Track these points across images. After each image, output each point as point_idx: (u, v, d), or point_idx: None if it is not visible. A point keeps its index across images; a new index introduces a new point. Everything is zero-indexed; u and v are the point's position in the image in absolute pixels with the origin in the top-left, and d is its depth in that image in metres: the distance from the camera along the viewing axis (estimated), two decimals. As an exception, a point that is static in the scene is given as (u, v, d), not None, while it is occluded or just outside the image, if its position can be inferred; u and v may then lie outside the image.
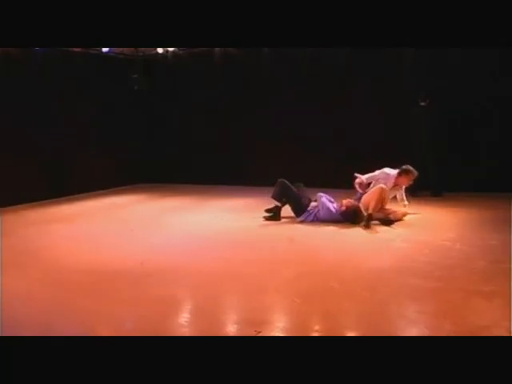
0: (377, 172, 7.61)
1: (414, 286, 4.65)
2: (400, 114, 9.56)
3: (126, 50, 11.33)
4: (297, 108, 10.70)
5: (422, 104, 9.33)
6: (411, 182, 7.67)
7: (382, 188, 7.29)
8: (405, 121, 9.49)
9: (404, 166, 7.54)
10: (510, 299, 4.21)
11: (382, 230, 6.88)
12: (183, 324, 4.07)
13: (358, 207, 7.31)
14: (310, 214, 7.50)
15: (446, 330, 3.71)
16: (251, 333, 3.65)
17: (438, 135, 9.29)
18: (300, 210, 7.60)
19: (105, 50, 10.68)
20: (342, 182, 8.55)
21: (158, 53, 11.49)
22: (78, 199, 10.20)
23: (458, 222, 7.32)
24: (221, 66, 11.10)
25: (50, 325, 3.98)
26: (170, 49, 11.25)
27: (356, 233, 6.83)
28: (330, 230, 7.02)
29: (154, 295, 4.58)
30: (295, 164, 10.38)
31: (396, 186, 7.63)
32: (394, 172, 7.56)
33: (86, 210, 9.18)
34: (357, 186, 7.60)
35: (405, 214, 7.51)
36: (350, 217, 7.26)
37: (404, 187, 7.77)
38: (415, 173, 7.53)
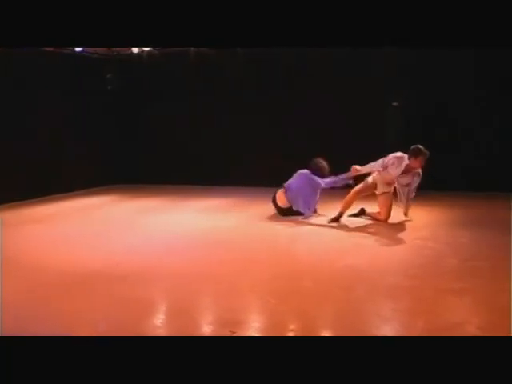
0: (381, 159, 7.11)
1: (387, 285, 4.72)
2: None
3: (99, 49, 11.22)
4: (278, 108, 10.71)
5: (394, 104, 9.44)
6: (423, 164, 6.91)
7: (354, 194, 7.36)
8: (379, 121, 9.61)
9: (413, 147, 6.85)
10: (480, 296, 4.32)
11: (356, 229, 6.96)
12: (158, 325, 4.08)
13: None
14: (304, 206, 7.74)
15: (419, 327, 3.78)
16: (226, 333, 3.67)
17: (411, 135, 9.38)
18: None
19: (78, 49, 10.56)
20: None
21: (132, 52, 11.40)
22: (54, 200, 10.08)
23: (431, 221, 7.42)
24: (196, 65, 11.07)
25: (25, 327, 3.93)
26: (146, 48, 11.16)
27: (330, 232, 6.89)
28: (305, 230, 7.08)
29: (129, 296, 4.57)
30: (277, 164, 10.38)
31: (408, 172, 6.98)
32: (406, 156, 6.93)
33: (62, 211, 9.09)
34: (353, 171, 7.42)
35: (386, 219, 7.26)
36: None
37: (416, 180, 7.09)
38: (427, 152, 6.79)
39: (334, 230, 6.98)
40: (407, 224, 7.17)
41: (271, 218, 7.78)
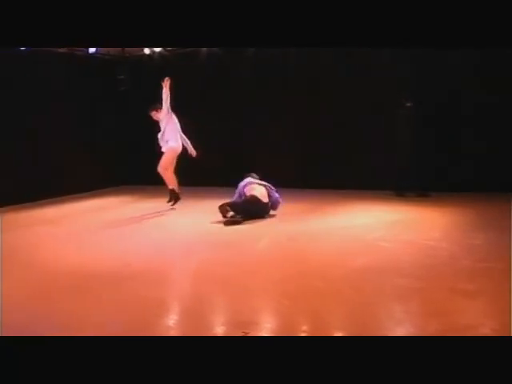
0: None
1: (399, 286, 4.68)
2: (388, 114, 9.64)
3: (112, 50, 11.27)
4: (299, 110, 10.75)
5: (408, 105, 9.38)
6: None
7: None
8: (391, 121, 9.55)
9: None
10: (494, 298, 4.28)
11: (367, 230, 6.91)
12: (171, 325, 4.08)
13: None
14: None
15: (432, 329, 3.75)
16: (239, 334, 3.66)
17: (424, 136, 9.35)
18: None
19: (91, 50, 10.60)
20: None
21: (144, 53, 11.43)
22: (62, 201, 10.12)
23: (444, 222, 7.36)
24: (207, 65, 11.08)
25: (34, 327, 3.92)
26: (157, 49, 11.20)
27: (340, 232, 6.86)
28: (315, 229, 7.05)
29: (140, 297, 4.57)
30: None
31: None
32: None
33: (70, 212, 9.12)
34: None
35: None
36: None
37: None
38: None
39: (344, 230, 6.94)
40: (420, 225, 7.14)
41: (277, 219, 7.77)
